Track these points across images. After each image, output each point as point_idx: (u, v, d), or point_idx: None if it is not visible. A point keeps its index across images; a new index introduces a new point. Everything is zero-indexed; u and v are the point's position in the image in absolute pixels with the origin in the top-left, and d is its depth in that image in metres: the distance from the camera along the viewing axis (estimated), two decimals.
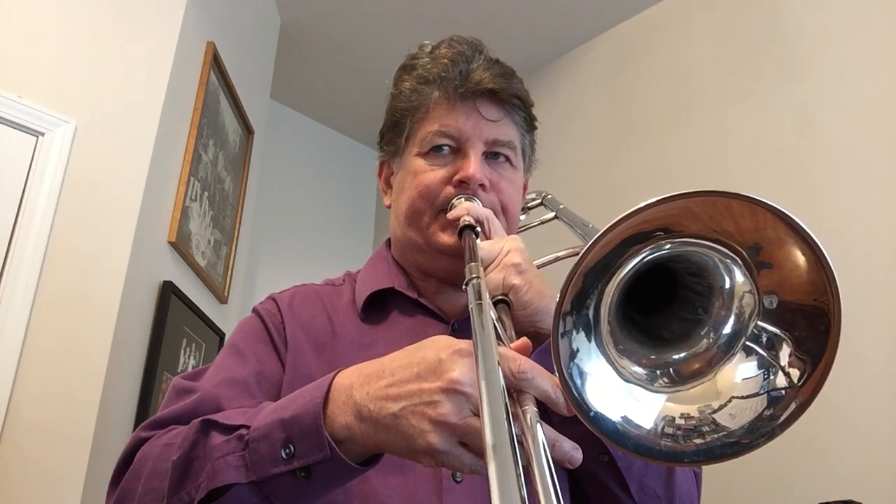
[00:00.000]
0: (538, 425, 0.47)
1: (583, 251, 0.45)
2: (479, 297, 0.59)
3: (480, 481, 0.71)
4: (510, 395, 0.50)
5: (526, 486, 0.38)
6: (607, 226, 0.45)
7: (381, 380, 0.55)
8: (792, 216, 0.44)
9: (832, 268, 0.45)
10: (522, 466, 0.39)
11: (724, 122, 2.57)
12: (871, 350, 1.89)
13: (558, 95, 3.25)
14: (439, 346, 0.54)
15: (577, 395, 0.49)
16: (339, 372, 0.59)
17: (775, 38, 2.49)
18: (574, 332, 0.49)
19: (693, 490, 0.76)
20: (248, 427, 0.58)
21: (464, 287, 0.62)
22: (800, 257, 0.46)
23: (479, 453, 0.50)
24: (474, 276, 0.63)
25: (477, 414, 0.49)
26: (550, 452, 0.47)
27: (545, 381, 0.51)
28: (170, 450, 0.63)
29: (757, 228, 0.46)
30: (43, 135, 1.81)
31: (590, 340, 0.50)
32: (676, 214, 0.46)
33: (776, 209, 0.44)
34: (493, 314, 0.60)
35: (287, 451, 0.55)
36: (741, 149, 2.48)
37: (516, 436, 0.42)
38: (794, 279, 0.47)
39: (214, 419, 0.61)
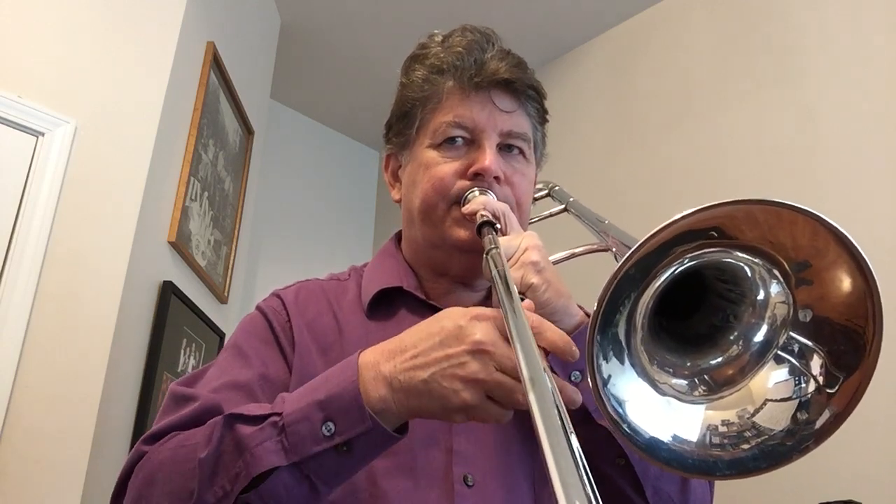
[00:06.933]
0: (545, 375, 0.50)
1: (637, 246, 0.45)
2: (498, 266, 0.65)
3: (493, 486, 0.72)
4: None
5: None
6: (667, 221, 0.44)
7: (405, 353, 0.59)
8: (855, 243, 0.45)
9: (881, 300, 0.46)
10: None
11: (724, 121, 2.57)
12: None
13: (558, 96, 3.24)
14: (455, 315, 0.59)
15: (628, 430, 0.50)
16: (360, 353, 0.62)
17: (775, 37, 2.49)
18: (603, 358, 0.50)
19: (707, 496, 0.75)
20: (279, 414, 0.60)
21: (485, 256, 0.69)
22: (847, 281, 0.47)
23: (506, 404, 0.56)
24: (493, 246, 0.69)
25: (500, 370, 0.55)
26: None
27: (554, 332, 0.56)
28: (186, 451, 0.62)
29: (814, 246, 0.47)
30: (43, 135, 1.81)
31: (622, 362, 0.51)
32: (738, 217, 0.46)
33: (842, 234, 0.45)
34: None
35: (328, 428, 0.58)
36: (741, 149, 2.48)
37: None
38: (834, 299, 0.48)
39: (239, 412, 0.62)
